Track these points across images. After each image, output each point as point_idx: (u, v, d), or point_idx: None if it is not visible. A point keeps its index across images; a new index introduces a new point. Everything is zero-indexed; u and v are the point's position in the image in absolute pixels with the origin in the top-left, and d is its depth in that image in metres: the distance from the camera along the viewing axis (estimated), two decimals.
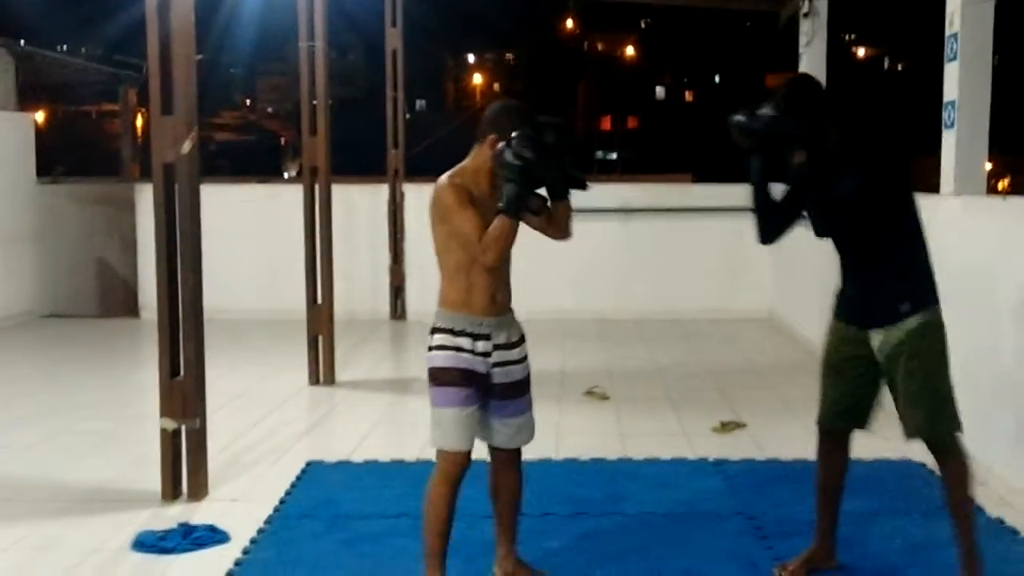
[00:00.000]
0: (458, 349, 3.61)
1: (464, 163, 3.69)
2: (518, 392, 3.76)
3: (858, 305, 3.79)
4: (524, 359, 3.79)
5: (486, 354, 3.64)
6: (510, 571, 3.92)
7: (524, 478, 3.90)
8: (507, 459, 3.86)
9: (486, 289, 3.63)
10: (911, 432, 3.77)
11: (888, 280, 3.72)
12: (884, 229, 3.69)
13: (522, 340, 3.79)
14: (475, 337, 3.62)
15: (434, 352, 3.67)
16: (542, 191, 3.61)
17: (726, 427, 6.20)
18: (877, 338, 3.73)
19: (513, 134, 3.46)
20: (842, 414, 3.93)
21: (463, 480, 3.67)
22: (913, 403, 3.71)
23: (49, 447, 5.96)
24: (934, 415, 3.73)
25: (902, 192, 3.71)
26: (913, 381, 3.70)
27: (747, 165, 3.86)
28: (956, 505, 3.79)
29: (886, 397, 3.85)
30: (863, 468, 5.29)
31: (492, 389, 3.68)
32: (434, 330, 3.69)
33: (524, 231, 3.62)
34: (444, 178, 3.63)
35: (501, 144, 3.48)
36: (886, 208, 3.66)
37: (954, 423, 3.77)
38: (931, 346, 3.73)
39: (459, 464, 3.64)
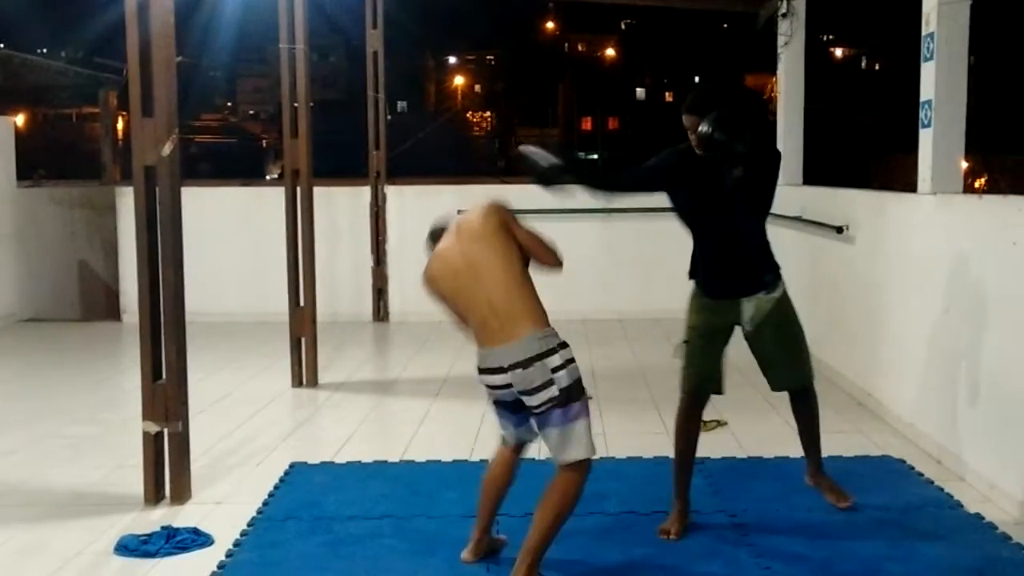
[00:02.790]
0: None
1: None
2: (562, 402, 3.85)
3: (732, 281, 4.37)
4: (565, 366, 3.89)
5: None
6: (485, 547, 4.13)
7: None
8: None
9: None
10: (785, 384, 4.54)
11: (759, 256, 4.37)
12: (763, 215, 4.36)
13: (556, 349, 3.86)
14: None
15: (571, 367, 3.70)
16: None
17: (708, 426, 6.21)
18: (749, 307, 4.34)
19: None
20: (710, 380, 4.52)
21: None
22: (790, 358, 4.46)
23: (31, 451, 5.94)
24: (801, 368, 4.51)
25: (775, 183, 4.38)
26: (787, 341, 4.42)
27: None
28: (813, 431, 4.68)
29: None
30: (843, 464, 5.35)
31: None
32: (559, 347, 3.71)
33: None
34: (484, 203, 3.89)
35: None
36: (770, 197, 4.32)
37: (811, 374, 4.58)
38: (790, 309, 4.43)
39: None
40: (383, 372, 8.77)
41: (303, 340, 7.60)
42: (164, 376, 4.88)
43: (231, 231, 10.74)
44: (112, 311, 10.92)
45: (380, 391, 7.66)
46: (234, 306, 10.54)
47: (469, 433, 6.12)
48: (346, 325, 10.18)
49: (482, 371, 3.81)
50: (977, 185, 26.07)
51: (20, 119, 16.20)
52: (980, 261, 5.04)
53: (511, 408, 3.88)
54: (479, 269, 3.75)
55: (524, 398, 3.71)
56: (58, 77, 13.19)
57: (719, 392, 4.58)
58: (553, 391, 3.63)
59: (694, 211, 4.39)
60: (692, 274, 4.55)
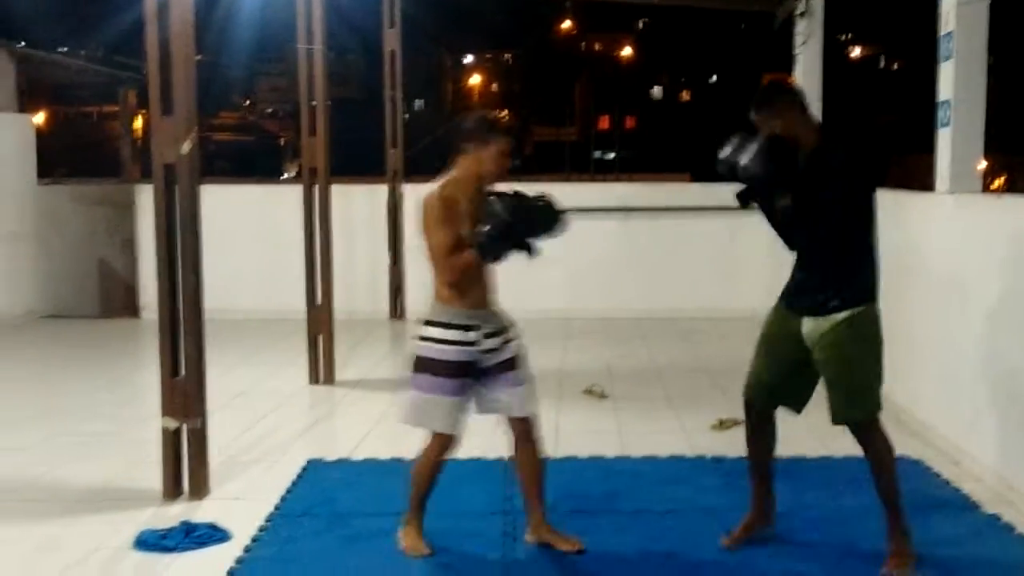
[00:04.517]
0: (451, 342, 3.99)
1: (453, 173, 4.02)
2: (512, 366, 4.13)
3: (797, 293, 4.06)
4: (511, 341, 4.15)
5: (476, 343, 4.01)
6: (545, 536, 4.25)
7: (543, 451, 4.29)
8: (522, 431, 4.21)
9: (475, 286, 4.02)
10: (833, 414, 4.02)
11: (826, 278, 3.95)
12: (837, 232, 3.87)
13: (509, 326, 4.18)
14: (466, 328, 3.99)
15: (427, 343, 4.04)
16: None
17: (724, 424, 6.23)
18: (807, 325, 3.99)
19: (508, 193, 3.88)
20: (768, 388, 4.18)
21: (448, 455, 4.17)
22: (832, 388, 3.99)
23: (50, 447, 5.99)
24: (849, 401, 3.98)
25: (864, 200, 3.91)
26: (830, 368, 3.97)
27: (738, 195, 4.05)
28: (882, 488, 4.06)
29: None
30: (857, 464, 5.34)
31: (487, 371, 4.08)
32: (427, 322, 4.05)
33: None
34: (434, 190, 3.94)
35: (497, 198, 3.86)
36: (843, 215, 3.84)
37: (867, 411, 4.00)
38: (857, 337, 3.94)
39: (446, 446, 4.13)
40: (400, 370, 8.76)
41: (320, 338, 7.62)
42: (183, 372, 4.91)
43: (249, 229, 10.78)
44: (131, 308, 10.99)
45: (397, 389, 7.62)
46: (251, 303, 10.58)
47: (484, 430, 6.13)
48: (363, 323, 10.20)
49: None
50: (995, 185, 25.92)
51: (40, 117, 16.30)
52: (998, 261, 5.02)
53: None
54: None
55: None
56: (78, 75, 13.28)
57: (790, 407, 4.20)
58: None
59: (769, 217, 4.06)
60: None
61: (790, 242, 4.04)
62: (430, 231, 3.91)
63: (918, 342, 6.11)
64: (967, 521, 4.57)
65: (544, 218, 3.93)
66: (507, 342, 4.14)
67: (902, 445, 5.71)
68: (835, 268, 3.93)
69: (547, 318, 10.00)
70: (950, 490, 4.98)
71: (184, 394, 4.91)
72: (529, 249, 3.96)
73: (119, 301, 11.12)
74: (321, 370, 7.64)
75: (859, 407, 3.99)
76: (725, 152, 3.95)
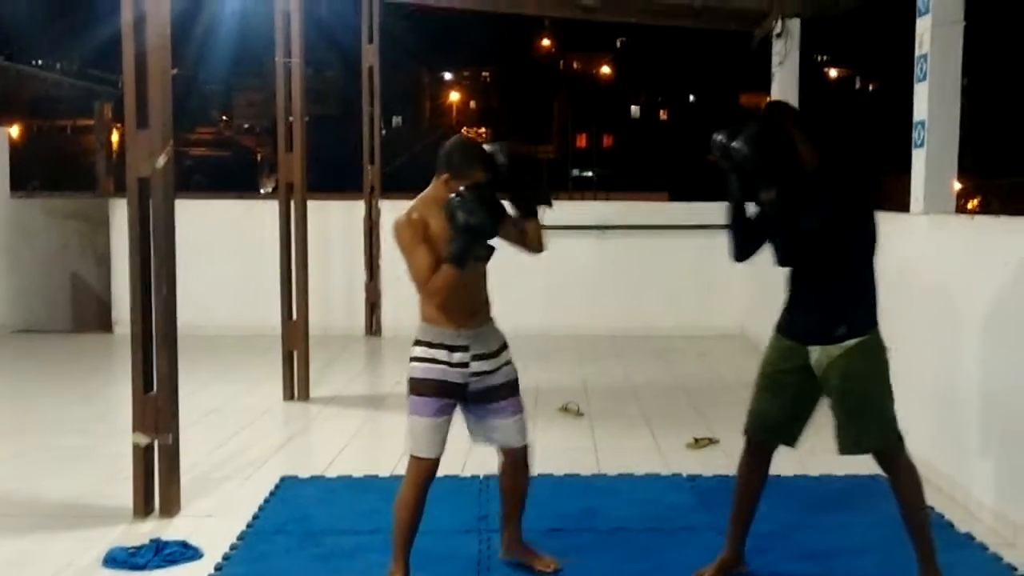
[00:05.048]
0: (435, 361, 3.88)
1: (425, 193, 3.95)
2: (507, 394, 4.01)
3: (800, 322, 3.91)
4: (506, 364, 4.04)
5: (463, 364, 3.89)
6: (521, 555, 4.23)
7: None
8: (516, 460, 4.12)
9: (461, 305, 3.89)
10: (844, 446, 3.88)
11: (831, 304, 3.84)
12: (838, 257, 3.80)
13: (503, 348, 4.05)
14: (452, 349, 3.88)
15: (413, 363, 3.93)
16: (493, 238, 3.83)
17: (699, 443, 6.23)
18: (815, 354, 3.84)
19: (459, 190, 3.75)
20: (772, 428, 4.03)
21: (431, 484, 3.97)
22: (848, 417, 3.84)
23: (20, 463, 5.91)
24: (871, 429, 3.85)
25: (863, 223, 3.85)
26: (847, 397, 3.83)
27: (725, 183, 3.94)
28: (909, 517, 3.90)
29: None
30: (837, 483, 5.36)
31: (475, 396, 3.95)
32: (415, 343, 3.94)
33: (501, 247, 3.77)
34: (403, 213, 3.88)
35: (452, 197, 3.74)
36: (845, 238, 3.78)
37: (886, 438, 3.88)
38: (867, 364, 3.85)
39: (427, 470, 3.94)
40: (375, 386, 8.76)
41: (295, 353, 7.58)
42: (155, 388, 4.87)
43: (224, 244, 10.73)
44: (104, 323, 10.90)
45: (372, 405, 7.65)
46: (226, 319, 10.51)
47: (460, 449, 6.11)
48: (338, 339, 10.16)
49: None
50: (970, 206, 26.16)
51: (15, 130, 16.18)
52: (972, 281, 5.05)
53: None
54: None
55: None
56: (54, 88, 13.21)
57: (788, 444, 4.05)
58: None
59: (773, 244, 3.88)
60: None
61: (788, 262, 3.87)
62: (408, 251, 3.84)
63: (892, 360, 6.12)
64: (941, 539, 4.56)
65: (513, 170, 3.96)
66: (500, 366, 4.00)
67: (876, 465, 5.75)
68: (841, 294, 3.85)
69: (522, 335, 9.94)
70: (945, 526, 4.97)
71: (156, 410, 4.86)
72: (528, 203, 3.99)
73: (92, 316, 11.03)
74: (296, 386, 7.59)
75: (882, 434, 3.87)
76: (720, 134, 3.86)
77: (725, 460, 5.89)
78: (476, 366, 3.91)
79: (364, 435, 6.82)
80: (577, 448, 6.22)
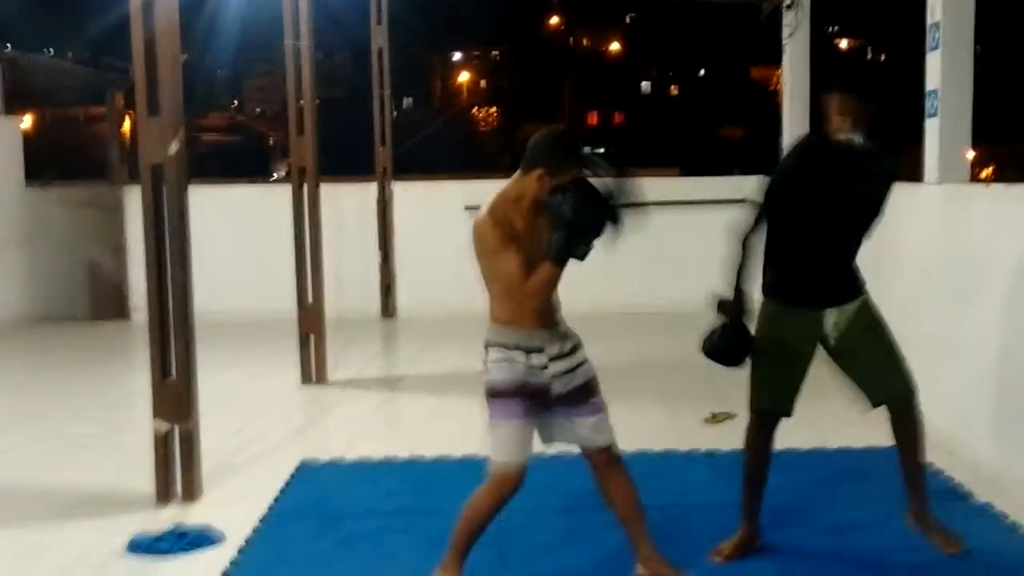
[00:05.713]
0: (513, 362, 3.66)
1: (506, 190, 3.67)
2: (586, 395, 3.79)
3: (818, 287, 4.02)
4: (583, 364, 3.82)
5: (542, 367, 3.68)
6: (657, 569, 3.88)
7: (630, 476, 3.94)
8: (605, 460, 3.89)
9: (540, 306, 3.68)
10: (890, 392, 4.05)
11: (849, 266, 4.07)
12: (868, 223, 4.03)
13: (577, 347, 3.83)
14: (528, 351, 3.66)
15: (492, 367, 3.69)
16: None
17: (717, 418, 6.24)
18: (832, 316, 3.98)
19: (561, 186, 3.52)
20: (787, 399, 4.10)
21: (514, 494, 3.70)
22: (886, 366, 4.03)
23: (40, 451, 5.97)
24: (907, 374, 4.05)
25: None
26: (880, 347, 4.03)
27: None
28: (916, 465, 4.13)
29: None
30: (855, 456, 5.36)
31: (557, 399, 3.72)
32: (488, 345, 3.71)
33: None
34: (485, 212, 3.61)
35: (556, 194, 3.52)
36: (883, 205, 4.00)
37: (911, 380, 4.08)
38: (878, 314, 4.08)
39: (512, 478, 3.67)
40: (391, 368, 8.79)
41: (312, 337, 7.61)
42: (173, 374, 4.89)
43: (237, 229, 10.75)
44: (121, 310, 10.95)
45: (389, 387, 7.68)
46: (240, 304, 10.53)
47: (478, 429, 6.13)
48: (354, 322, 10.18)
49: None
50: (984, 175, 25.99)
51: (27, 120, 16.22)
52: (987, 250, 5.03)
53: None
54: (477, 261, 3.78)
55: None
56: (65, 78, 13.23)
57: (790, 413, 4.14)
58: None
59: (805, 213, 3.96)
60: (772, 281, 4.11)
61: (819, 230, 3.96)
62: (497, 253, 3.57)
63: (906, 331, 6.10)
64: (958, 510, 4.57)
65: (612, 208, 3.65)
66: (578, 365, 3.79)
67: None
68: (854, 254, 4.06)
69: None
70: (942, 479, 4.98)
71: (175, 396, 4.89)
72: (588, 242, 3.68)
73: (109, 303, 11.08)
74: (313, 370, 7.62)
75: (909, 377, 4.07)
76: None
77: (742, 434, 5.89)
78: (555, 367, 3.70)
79: (382, 417, 6.85)
80: None
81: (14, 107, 12.68)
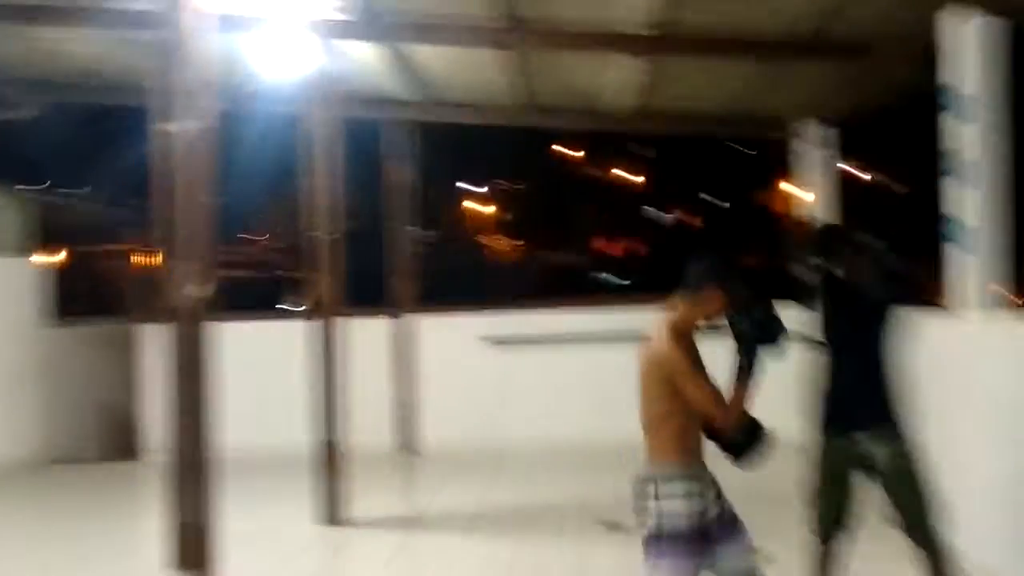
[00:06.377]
0: (691, 498, 3.54)
1: (673, 317, 3.65)
2: (738, 526, 3.73)
3: (850, 413, 4.42)
4: (722, 497, 3.73)
5: (705, 502, 3.60)
6: None
7: None
8: None
9: (699, 442, 3.64)
10: (922, 530, 4.36)
11: (878, 393, 4.40)
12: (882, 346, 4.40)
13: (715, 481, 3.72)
14: (699, 490, 3.58)
15: (666, 506, 3.54)
16: None
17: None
18: (870, 440, 4.36)
19: (754, 307, 3.60)
20: (831, 523, 4.50)
21: None
22: (917, 499, 4.33)
23: None
24: (933, 507, 4.35)
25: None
26: (911, 478, 4.36)
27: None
28: None
29: None
30: None
31: (715, 535, 3.61)
32: (658, 484, 3.56)
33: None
34: (664, 344, 3.56)
35: (742, 318, 3.58)
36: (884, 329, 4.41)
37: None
38: (916, 467, 4.39)
39: None
40: (415, 507, 8.57)
41: (330, 475, 7.42)
42: (195, 520, 4.72)
43: (256, 364, 10.63)
44: (131, 451, 10.79)
45: (412, 527, 7.47)
46: (252, 440, 10.28)
47: (505, 569, 5.94)
48: (375, 457, 9.97)
49: None
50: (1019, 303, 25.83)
51: (59, 259, 16.41)
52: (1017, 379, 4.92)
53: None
54: (639, 389, 3.69)
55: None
56: (91, 217, 13.42)
57: (829, 538, 4.56)
58: (648, 524, 3.57)
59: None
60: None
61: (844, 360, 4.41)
62: (685, 380, 3.52)
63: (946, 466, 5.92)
64: None
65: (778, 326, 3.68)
66: (719, 497, 3.68)
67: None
68: (884, 383, 4.37)
69: (560, 447, 9.83)
70: None
71: (197, 542, 4.71)
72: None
73: (119, 444, 10.92)
74: (333, 510, 7.41)
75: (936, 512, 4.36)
76: None
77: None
78: (711, 502, 3.63)
79: (405, 561, 6.63)
80: (619, 565, 5.98)
81: (44, 246, 12.81)
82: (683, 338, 3.58)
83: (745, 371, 3.53)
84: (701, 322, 3.62)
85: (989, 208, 5.73)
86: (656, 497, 3.53)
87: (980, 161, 5.70)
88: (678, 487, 3.52)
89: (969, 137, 5.78)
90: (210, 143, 4.75)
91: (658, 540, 3.50)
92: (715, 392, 3.52)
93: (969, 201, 5.80)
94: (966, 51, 5.81)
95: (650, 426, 3.61)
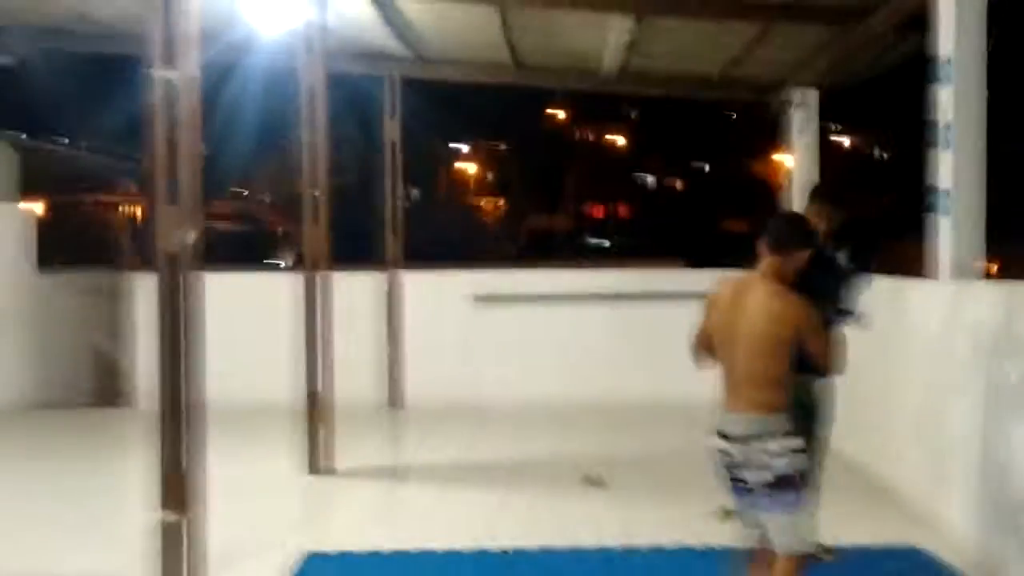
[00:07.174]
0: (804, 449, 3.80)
1: (772, 273, 3.87)
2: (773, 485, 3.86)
3: None
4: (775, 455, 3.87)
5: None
6: None
7: None
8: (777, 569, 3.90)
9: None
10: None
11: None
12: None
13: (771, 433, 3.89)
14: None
15: (799, 456, 3.75)
16: None
17: (729, 514, 6.14)
18: None
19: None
20: None
21: None
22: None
23: (39, 541, 5.88)
24: None
25: None
26: None
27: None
28: None
29: None
30: (868, 558, 5.28)
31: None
32: (784, 435, 3.75)
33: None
34: (788, 297, 3.79)
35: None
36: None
37: None
38: None
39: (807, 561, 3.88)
40: (398, 458, 8.70)
41: (319, 426, 7.55)
42: (183, 464, 4.84)
43: (243, 317, 10.71)
44: (125, 397, 10.89)
45: (396, 477, 7.60)
46: (244, 392, 10.43)
47: (486, 520, 6.07)
48: (360, 410, 10.08)
49: (717, 432, 3.86)
50: (991, 272, 26.08)
51: (40, 207, 16.39)
52: (995, 347, 5.02)
53: (733, 481, 3.86)
54: (757, 342, 3.77)
55: (742, 472, 3.77)
56: (79, 165, 13.40)
57: None
58: (767, 475, 3.70)
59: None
60: None
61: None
62: (811, 339, 3.76)
63: (917, 428, 6.07)
64: None
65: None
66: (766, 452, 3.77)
67: (904, 533, 5.66)
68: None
69: (542, 404, 9.97)
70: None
71: (184, 486, 4.82)
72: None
73: (113, 390, 11.03)
74: (320, 459, 7.55)
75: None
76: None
77: None
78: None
79: (390, 508, 6.76)
80: (604, 518, 6.15)
81: (28, 195, 12.82)
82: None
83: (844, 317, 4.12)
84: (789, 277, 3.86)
85: (964, 172, 5.81)
86: (780, 441, 3.71)
87: (955, 125, 5.78)
88: (796, 442, 3.76)
89: (945, 100, 5.88)
90: (197, 92, 4.81)
91: (789, 482, 3.70)
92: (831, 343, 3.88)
93: (944, 165, 5.90)
94: (943, 13, 5.90)
95: (764, 378, 3.75)
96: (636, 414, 10.06)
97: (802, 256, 3.88)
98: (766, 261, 3.85)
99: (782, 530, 3.72)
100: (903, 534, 5.65)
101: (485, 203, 48.77)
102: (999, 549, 5.01)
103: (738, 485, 3.80)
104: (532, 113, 45.58)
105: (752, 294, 3.80)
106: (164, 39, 4.73)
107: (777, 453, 3.67)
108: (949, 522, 5.62)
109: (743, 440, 3.72)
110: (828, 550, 5.05)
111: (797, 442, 3.73)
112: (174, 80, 4.76)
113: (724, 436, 3.78)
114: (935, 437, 5.87)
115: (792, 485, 3.68)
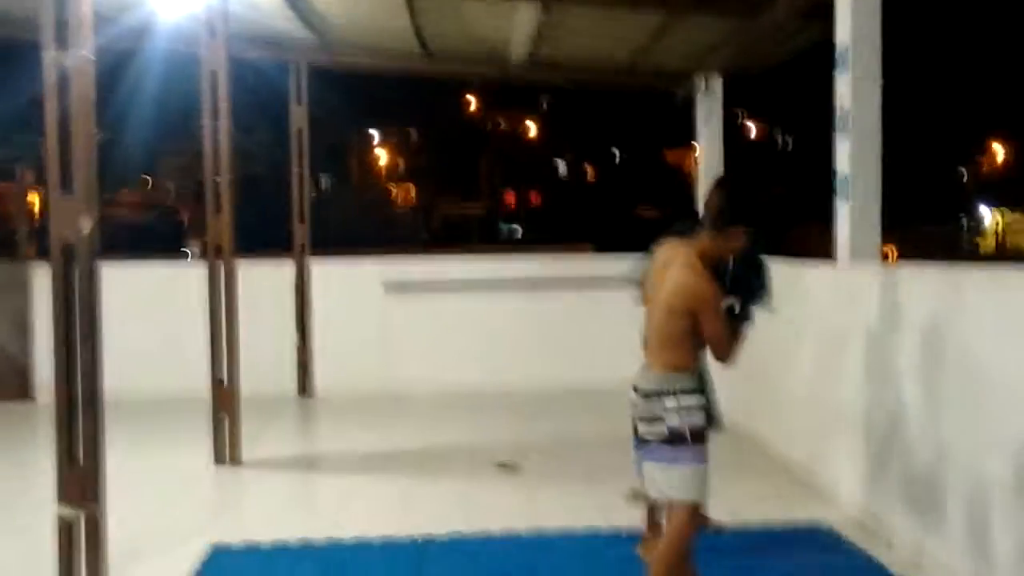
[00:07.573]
0: (702, 407, 3.86)
1: (698, 245, 3.86)
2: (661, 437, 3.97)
3: None
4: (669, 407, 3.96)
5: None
6: None
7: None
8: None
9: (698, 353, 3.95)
10: None
11: None
12: None
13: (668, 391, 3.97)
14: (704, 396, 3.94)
15: (695, 411, 3.81)
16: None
17: (639, 497, 6.21)
18: None
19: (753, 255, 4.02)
20: None
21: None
22: None
23: None
24: None
25: None
26: None
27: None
28: None
29: None
30: (773, 534, 5.38)
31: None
32: (681, 392, 3.81)
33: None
34: (693, 272, 3.77)
35: (744, 260, 3.97)
36: None
37: None
38: None
39: (702, 516, 4.04)
40: (308, 448, 8.62)
41: (225, 417, 7.44)
42: (80, 457, 4.72)
43: (147, 307, 10.51)
44: (24, 390, 10.59)
45: (305, 468, 7.52)
46: (150, 383, 10.23)
47: (396, 509, 6.04)
48: (269, 401, 9.96)
49: (632, 385, 3.96)
50: (889, 255, 26.82)
51: None
52: (895, 327, 5.15)
53: (635, 432, 3.96)
54: (662, 306, 3.85)
55: (642, 425, 3.88)
56: None
57: None
58: (661, 428, 3.79)
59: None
60: None
61: None
62: (710, 311, 3.75)
63: (820, 408, 6.20)
64: None
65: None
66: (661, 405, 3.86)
67: (812, 510, 5.79)
68: None
69: (455, 392, 9.96)
70: (861, 557, 5.02)
71: (82, 479, 4.70)
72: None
73: (12, 383, 10.71)
74: (227, 450, 7.43)
75: None
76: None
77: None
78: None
79: (297, 499, 6.69)
80: (515, 505, 6.17)
81: None
82: (709, 270, 3.82)
83: (742, 314, 3.93)
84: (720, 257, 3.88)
85: (862, 158, 5.95)
86: (676, 398, 3.79)
87: (853, 111, 5.91)
88: (694, 399, 3.83)
89: (843, 88, 6.01)
90: (91, 76, 4.68)
91: (680, 436, 3.78)
92: (727, 330, 3.83)
93: (843, 151, 6.03)
94: (840, 2, 6.02)
95: (668, 339, 3.84)
96: (549, 401, 10.12)
97: (739, 235, 3.81)
98: (702, 233, 3.88)
99: (671, 483, 3.82)
100: (802, 509, 5.78)
101: (397, 190, 48.52)
102: (887, 517, 5.16)
103: (637, 436, 3.92)
104: (445, 101, 45.46)
105: (675, 260, 3.87)
106: (56, 21, 4.59)
107: (672, 409, 3.77)
108: (843, 494, 5.77)
109: (645, 395, 3.84)
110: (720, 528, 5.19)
111: (693, 399, 3.81)
112: (67, 64, 4.62)
113: (635, 389, 3.91)
114: (827, 413, 6.02)
115: (683, 440, 3.77)
